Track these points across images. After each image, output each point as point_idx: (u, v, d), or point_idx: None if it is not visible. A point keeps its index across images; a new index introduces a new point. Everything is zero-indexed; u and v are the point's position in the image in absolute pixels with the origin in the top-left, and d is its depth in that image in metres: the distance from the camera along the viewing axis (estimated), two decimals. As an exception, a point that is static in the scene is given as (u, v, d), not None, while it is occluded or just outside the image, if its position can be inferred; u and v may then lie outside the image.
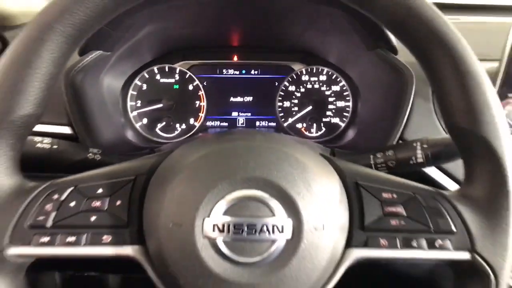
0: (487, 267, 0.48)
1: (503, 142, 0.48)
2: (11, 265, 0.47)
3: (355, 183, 0.52)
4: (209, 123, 1.08)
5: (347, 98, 1.06)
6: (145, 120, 1.05)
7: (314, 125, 1.08)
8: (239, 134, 0.55)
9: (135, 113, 1.04)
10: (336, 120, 1.08)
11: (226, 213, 0.45)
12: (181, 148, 0.54)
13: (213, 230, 0.45)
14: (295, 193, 0.46)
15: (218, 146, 0.51)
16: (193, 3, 0.83)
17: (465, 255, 0.49)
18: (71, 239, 0.47)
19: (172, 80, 1.05)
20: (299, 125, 1.08)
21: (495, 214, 0.49)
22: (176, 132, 1.06)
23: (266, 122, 1.09)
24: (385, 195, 0.52)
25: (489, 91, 0.47)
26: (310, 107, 1.07)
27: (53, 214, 0.48)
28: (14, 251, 0.47)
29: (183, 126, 1.07)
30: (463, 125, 0.49)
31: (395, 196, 0.51)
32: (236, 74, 1.07)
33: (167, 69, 1.05)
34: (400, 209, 0.51)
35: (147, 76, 1.03)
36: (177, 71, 1.05)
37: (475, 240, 0.49)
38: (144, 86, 1.04)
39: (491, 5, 1.36)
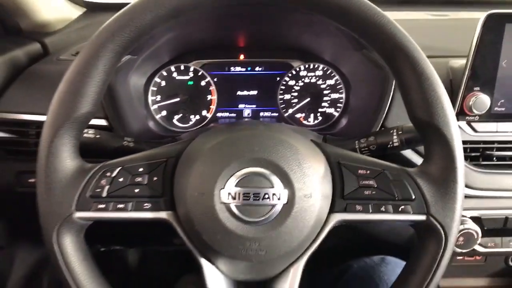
0: (439, 226, 0.58)
1: (452, 130, 0.57)
2: (76, 225, 0.58)
3: (337, 162, 0.62)
4: (219, 114, 1.13)
5: (341, 91, 1.11)
6: (164, 112, 1.10)
7: (312, 115, 1.13)
8: (246, 125, 0.66)
9: (155, 106, 1.10)
10: (331, 110, 1.13)
11: (237, 185, 0.56)
12: (201, 137, 0.64)
13: (228, 198, 0.55)
14: (289, 170, 0.57)
15: (230, 134, 0.61)
16: (207, 15, 0.90)
17: (422, 217, 0.59)
18: (121, 206, 0.58)
19: (187, 77, 1.10)
20: (298, 115, 1.14)
21: (446, 185, 0.58)
22: (191, 123, 1.12)
23: (269, 112, 1.14)
24: (360, 171, 0.61)
25: (441, 90, 0.57)
26: (308, 99, 1.12)
27: (107, 187, 0.59)
28: (79, 215, 0.58)
29: (197, 117, 1.12)
30: (421, 116, 0.58)
31: (368, 172, 0.61)
32: (242, 71, 1.12)
33: (182, 68, 1.09)
34: (372, 182, 0.60)
35: (165, 74, 1.09)
36: (191, 69, 1.10)
37: (429, 205, 0.58)
38: (163, 83, 1.09)
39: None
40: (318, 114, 1.14)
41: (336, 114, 1.13)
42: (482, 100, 0.84)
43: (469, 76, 0.84)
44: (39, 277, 1.22)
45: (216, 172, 0.57)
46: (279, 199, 0.56)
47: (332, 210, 0.60)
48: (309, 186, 0.57)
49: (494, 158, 0.91)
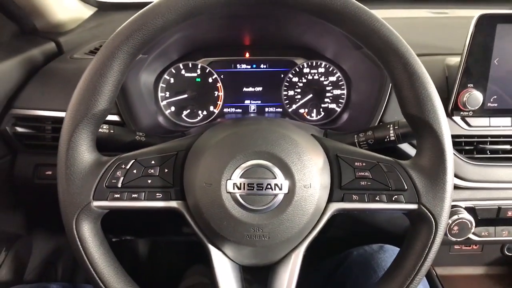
0: (429, 214, 0.62)
1: (442, 125, 0.60)
2: (94, 213, 0.62)
3: (335, 155, 0.65)
4: (226, 110, 1.16)
5: (342, 87, 1.14)
6: (173, 108, 1.13)
7: (314, 110, 1.16)
8: (251, 120, 0.69)
9: (164, 102, 1.13)
10: (333, 105, 1.15)
11: (242, 176, 0.59)
12: (208, 131, 0.68)
13: (233, 188, 0.59)
14: (290, 162, 0.60)
15: (235, 129, 0.65)
16: (214, 16, 0.93)
17: (414, 206, 0.62)
18: (135, 195, 0.62)
19: (195, 74, 1.13)
20: (301, 110, 1.16)
21: (436, 176, 0.61)
22: (199, 118, 1.15)
23: (274, 108, 1.17)
24: (357, 163, 0.64)
25: (431, 88, 0.60)
26: (311, 95, 1.15)
27: (122, 178, 0.62)
28: (96, 203, 0.61)
29: (205, 112, 1.15)
30: (413, 112, 0.61)
31: (364, 164, 0.64)
32: (248, 68, 1.15)
33: (190, 65, 1.12)
34: (367, 174, 0.64)
35: (174, 71, 1.12)
36: (199, 67, 1.13)
37: (421, 195, 0.62)
38: (172, 80, 1.12)
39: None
40: (321, 110, 1.17)
41: (338, 109, 1.16)
42: (475, 96, 0.87)
43: (463, 74, 0.87)
44: (54, 264, 1.26)
45: (223, 164, 0.60)
46: (280, 189, 0.60)
47: (330, 199, 0.64)
48: (309, 177, 0.61)
49: (488, 152, 0.94)
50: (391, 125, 0.79)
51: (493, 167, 0.93)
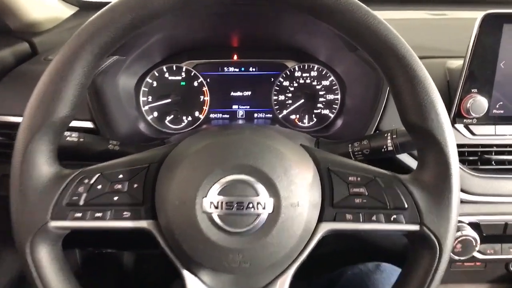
0: (433, 236, 0.56)
1: (446, 135, 0.55)
2: (52, 235, 0.57)
3: (327, 169, 0.60)
4: (212, 115, 1.14)
5: (336, 92, 1.11)
6: (155, 113, 1.10)
7: (306, 116, 1.13)
8: (232, 129, 0.63)
9: (146, 107, 1.10)
10: (326, 111, 1.13)
11: (220, 193, 0.54)
12: (185, 141, 0.62)
13: (210, 207, 0.53)
14: (275, 177, 0.55)
15: (214, 139, 0.59)
16: (198, 15, 0.89)
17: (415, 227, 0.57)
18: (99, 214, 0.56)
19: (179, 78, 1.10)
20: (292, 116, 1.14)
21: (440, 193, 0.56)
22: (183, 124, 1.12)
23: (263, 114, 1.15)
24: (351, 178, 0.59)
25: (434, 93, 0.55)
26: (303, 100, 1.12)
27: (84, 195, 0.57)
28: (54, 224, 0.56)
29: (189, 118, 1.12)
30: (414, 121, 0.56)
31: (359, 179, 0.59)
32: (236, 72, 1.12)
33: (174, 68, 1.10)
34: (363, 190, 0.58)
35: (157, 74, 1.09)
36: (184, 70, 1.10)
37: (423, 214, 0.56)
38: (155, 84, 1.09)
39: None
40: (313, 116, 1.14)
41: (331, 115, 1.13)
42: (480, 103, 0.84)
43: (466, 78, 0.83)
44: (27, 281, 1.21)
45: (198, 179, 0.55)
46: (264, 208, 0.54)
47: (321, 219, 0.58)
48: (296, 194, 0.55)
49: (493, 162, 0.90)
50: (389, 134, 0.74)
51: (499, 179, 0.89)
